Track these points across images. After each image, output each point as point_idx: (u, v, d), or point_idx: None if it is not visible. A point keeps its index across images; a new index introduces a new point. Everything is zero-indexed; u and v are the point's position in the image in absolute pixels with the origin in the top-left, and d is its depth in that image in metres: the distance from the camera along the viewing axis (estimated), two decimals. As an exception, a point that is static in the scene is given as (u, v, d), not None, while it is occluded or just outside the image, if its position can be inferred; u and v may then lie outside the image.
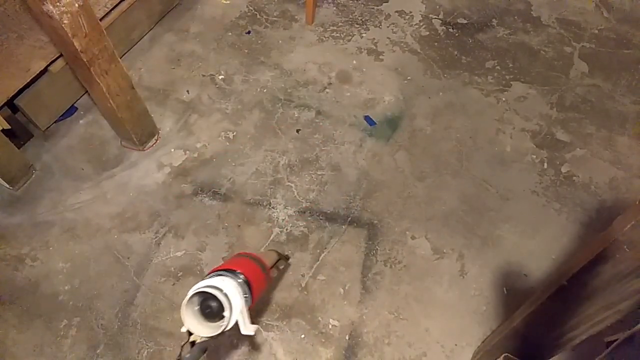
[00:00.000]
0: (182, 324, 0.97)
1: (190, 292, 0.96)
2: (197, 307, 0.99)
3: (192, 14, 2.49)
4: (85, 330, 1.58)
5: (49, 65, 1.86)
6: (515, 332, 1.24)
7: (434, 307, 1.64)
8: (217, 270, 1.05)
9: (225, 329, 0.96)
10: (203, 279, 1.00)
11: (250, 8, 2.54)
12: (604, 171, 1.98)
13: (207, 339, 0.98)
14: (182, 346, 0.97)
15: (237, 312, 0.97)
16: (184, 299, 0.95)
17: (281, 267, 1.53)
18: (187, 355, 0.95)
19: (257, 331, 1.56)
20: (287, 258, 1.63)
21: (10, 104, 1.85)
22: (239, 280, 1.03)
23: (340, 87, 2.22)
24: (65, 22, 1.41)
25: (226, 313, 0.96)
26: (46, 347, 1.55)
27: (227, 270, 1.05)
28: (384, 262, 1.73)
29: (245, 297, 1.02)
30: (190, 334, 0.98)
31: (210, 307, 0.97)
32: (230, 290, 0.98)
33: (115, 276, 1.68)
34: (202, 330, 0.97)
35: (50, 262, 1.71)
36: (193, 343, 0.98)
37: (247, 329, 1.00)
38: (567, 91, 2.24)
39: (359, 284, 1.68)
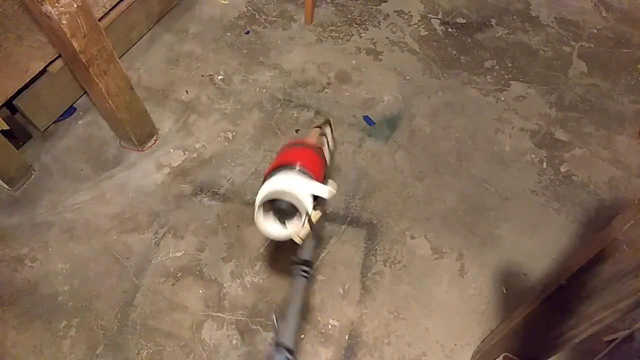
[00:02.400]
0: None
1: (257, 202, 1.01)
2: (275, 219, 1.06)
3: (191, 14, 2.49)
4: (84, 330, 1.57)
5: (47, 65, 1.86)
6: (514, 331, 1.24)
7: (433, 306, 1.64)
8: (270, 172, 1.09)
9: (306, 216, 1.02)
10: (262, 186, 1.04)
11: (249, 8, 2.54)
12: (603, 170, 1.98)
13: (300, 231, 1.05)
14: (293, 262, 1.06)
15: (305, 196, 1.02)
16: (256, 217, 1.02)
17: (327, 133, 1.51)
18: (301, 250, 1.06)
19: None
20: (327, 122, 1.63)
21: (9, 104, 1.84)
22: (297, 169, 1.08)
23: (339, 87, 2.22)
24: (63, 22, 1.41)
25: (298, 205, 1.01)
26: (45, 347, 1.54)
27: (280, 166, 1.09)
28: (383, 262, 1.73)
29: (309, 175, 1.07)
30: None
31: (282, 209, 1.03)
32: (290, 183, 1.02)
33: (115, 277, 1.68)
34: (287, 229, 1.05)
35: (50, 262, 1.71)
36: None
37: (327, 193, 1.06)
38: (566, 90, 2.24)
39: (359, 283, 1.68)
